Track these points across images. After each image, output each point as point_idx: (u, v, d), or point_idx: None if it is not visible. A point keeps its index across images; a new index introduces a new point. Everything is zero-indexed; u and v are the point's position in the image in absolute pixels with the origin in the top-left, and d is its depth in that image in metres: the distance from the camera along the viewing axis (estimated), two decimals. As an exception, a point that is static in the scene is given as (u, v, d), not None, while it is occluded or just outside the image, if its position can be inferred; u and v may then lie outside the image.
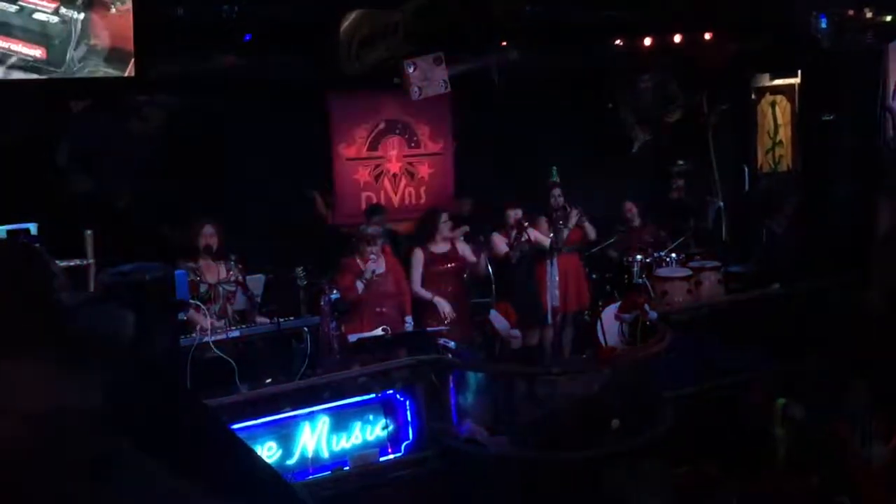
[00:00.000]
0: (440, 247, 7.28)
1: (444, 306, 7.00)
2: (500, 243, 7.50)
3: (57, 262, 3.34)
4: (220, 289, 6.42)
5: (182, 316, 5.97)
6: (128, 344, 2.63)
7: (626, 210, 9.03)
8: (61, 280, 2.62)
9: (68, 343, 1.56)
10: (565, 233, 7.84)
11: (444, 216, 7.38)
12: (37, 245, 4.39)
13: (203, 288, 6.33)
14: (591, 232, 8.22)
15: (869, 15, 5.76)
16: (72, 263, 5.76)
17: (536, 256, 7.77)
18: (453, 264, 7.30)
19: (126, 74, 5.76)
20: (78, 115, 6.69)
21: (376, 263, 6.86)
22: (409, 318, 7.07)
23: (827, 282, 8.11)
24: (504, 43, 8.00)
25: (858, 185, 8.63)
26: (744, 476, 5.80)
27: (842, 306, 7.96)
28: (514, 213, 7.55)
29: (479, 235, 7.68)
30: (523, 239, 7.48)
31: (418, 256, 7.21)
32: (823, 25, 5.91)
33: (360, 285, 6.77)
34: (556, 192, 8.00)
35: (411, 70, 7.17)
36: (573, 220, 7.89)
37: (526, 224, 7.50)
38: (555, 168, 8.24)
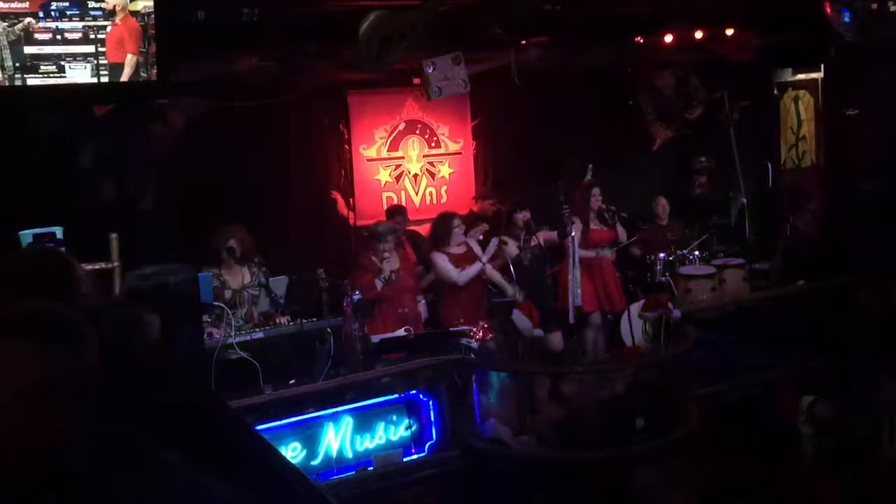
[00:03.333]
0: (456, 248, 7.30)
1: (507, 287, 7.11)
2: (512, 246, 7.49)
3: (82, 265, 3.37)
4: (245, 293, 6.46)
5: (207, 318, 6.01)
6: (152, 345, 2.65)
7: (660, 205, 8.96)
8: (87, 283, 2.64)
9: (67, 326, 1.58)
10: (623, 233, 7.88)
11: (457, 221, 7.39)
12: (62, 249, 4.44)
13: (228, 294, 6.36)
14: (622, 234, 8.20)
15: (893, 8, 5.68)
16: (97, 266, 5.80)
17: (555, 256, 7.76)
18: (469, 262, 7.32)
19: (149, 78, 5.79)
20: (101, 118, 6.74)
21: (391, 262, 6.90)
22: (422, 302, 7.17)
23: (852, 278, 8.03)
24: (524, 41, 7.97)
25: (883, 180, 8.54)
26: (770, 475, 5.76)
27: (868, 302, 7.88)
28: (522, 216, 7.58)
29: (495, 237, 7.68)
30: (532, 243, 7.49)
31: (441, 258, 7.22)
32: (847, 19, 5.84)
33: (378, 283, 6.81)
34: (597, 191, 7.95)
35: (430, 70, 7.17)
36: (615, 217, 7.91)
37: (532, 226, 7.53)
38: (590, 167, 8.16)
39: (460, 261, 7.26)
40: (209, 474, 1.71)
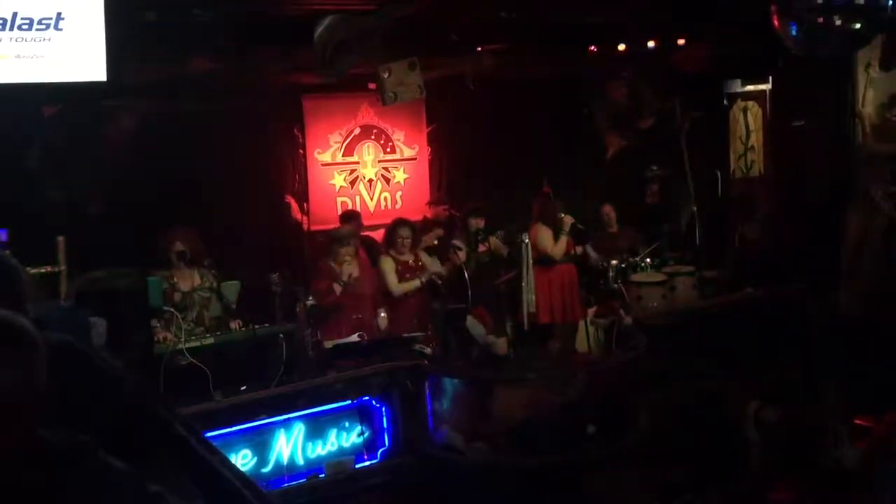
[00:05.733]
0: (405, 256, 7.29)
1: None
2: (461, 252, 7.47)
3: (28, 268, 3.30)
4: (196, 296, 6.38)
5: (155, 323, 5.93)
6: (100, 350, 2.59)
7: (605, 213, 9.05)
8: (32, 287, 2.58)
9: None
10: (563, 241, 7.81)
11: (405, 230, 7.34)
12: (7, 251, 4.33)
13: (178, 296, 6.28)
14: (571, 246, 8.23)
15: (838, 23, 5.83)
16: (43, 270, 5.68)
17: (505, 265, 7.76)
18: (416, 273, 7.30)
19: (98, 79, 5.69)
20: (50, 119, 6.61)
21: (351, 267, 6.87)
22: (381, 312, 7.10)
23: (799, 286, 8.19)
24: (479, 48, 8.01)
25: (829, 189, 8.73)
26: (718, 479, 5.84)
27: (814, 310, 8.04)
28: (476, 222, 7.57)
29: (448, 242, 7.66)
30: (481, 250, 7.50)
31: (388, 264, 7.22)
32: (794, 33, 5.97)
33: (337, 288, 6.77)
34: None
35: (386, 75, 7.17)
36: (567, 227, 7.84)
37: (478, 234, 7.52)
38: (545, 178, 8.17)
39: (406, 270, 7.25)
40: (156, 481, 1.69)
